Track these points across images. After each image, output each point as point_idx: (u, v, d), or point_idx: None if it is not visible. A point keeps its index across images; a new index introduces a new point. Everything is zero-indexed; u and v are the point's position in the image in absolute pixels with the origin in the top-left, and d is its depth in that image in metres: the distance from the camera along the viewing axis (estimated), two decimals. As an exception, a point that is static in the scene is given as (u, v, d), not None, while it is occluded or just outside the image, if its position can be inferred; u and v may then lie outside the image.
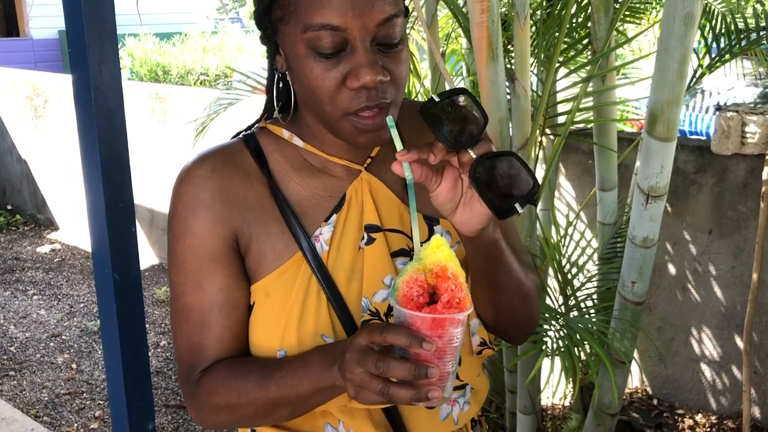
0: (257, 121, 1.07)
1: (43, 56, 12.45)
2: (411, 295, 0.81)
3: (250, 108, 2.53)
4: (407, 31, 2.78)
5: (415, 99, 2.56)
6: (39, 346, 3.93)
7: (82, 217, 5.42)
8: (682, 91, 1.75)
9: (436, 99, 0.84)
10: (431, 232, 1.03)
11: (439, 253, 0.82)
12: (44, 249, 5.50)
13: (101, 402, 3.34)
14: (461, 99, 0.85)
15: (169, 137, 4.72)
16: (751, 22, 2.74)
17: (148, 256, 5.02)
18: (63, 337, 4.04)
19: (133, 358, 1.91)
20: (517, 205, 0.82)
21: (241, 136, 1.04)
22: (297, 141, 1.01)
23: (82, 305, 4.47)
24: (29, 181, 6.07)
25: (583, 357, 2.07)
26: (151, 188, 4.81)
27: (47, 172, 5.84)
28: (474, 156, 0.83)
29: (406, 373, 0.78)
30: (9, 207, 6.32)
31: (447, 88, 2.65)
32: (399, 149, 0.84)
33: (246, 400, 0.93)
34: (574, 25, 2.41)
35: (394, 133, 0.85)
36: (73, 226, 5.65)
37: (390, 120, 0.86)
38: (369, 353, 0.80)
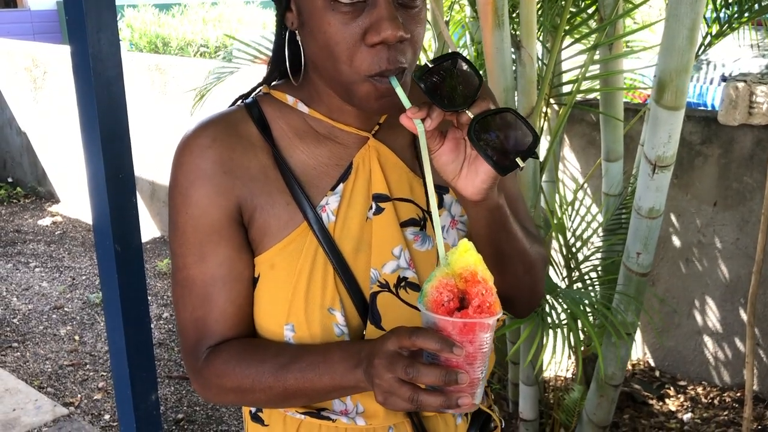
0: (259, 85, 1.03)
1: (42, 27, 12.33)
2: (441, 300, 0.79)
3: (249, 77, 2.49)
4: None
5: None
6: (42, 318, 3.94)
7: (83, 190, 5.39)
8: (692, 59, 1.72)
9: (429, 64, 0.83)
10: (441, 201, 1.00)
11: (467, 257, 0.80)
12: (45, 221, 5.49)
13: (104, 373, 3.36)
14: (454, 62, 0.84)
15: (169, 109, 4.68)
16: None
17: (149, 228, 5.01)
18: (65, 309, 4.05)
19: (135, 329, 1.90)
20: (518, 160, 0.81)
21: (242, 102, 1.00)
22: (302, 107, 0.97)
23: (84, 277, 4.47)
24: (29, 153, 6.04)
25: (586, 329, 2.06)
26: (152, 160, 4.78)
27: (47, 144, 5.81)
28: (470, 115, 0.82)
29: (436, 378, 0.76)
30: (9, 180, 6.30)
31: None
32: (401, 96, 0.84)
33: (260, 387, 0.92)
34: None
35: (400, 92, 0.84)
36: (74, 198, 5.63)
37: (394, 80, 0.84)
38: (398, 359, 0.78)
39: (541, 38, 2.35)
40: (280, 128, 0.97)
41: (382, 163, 0.98)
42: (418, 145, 1.01)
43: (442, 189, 1.00)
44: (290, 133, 0.97)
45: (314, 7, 0.85)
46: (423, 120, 0.82)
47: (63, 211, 5.68)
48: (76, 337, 3.72)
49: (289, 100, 0.98)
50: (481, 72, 2.76)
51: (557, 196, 2.49)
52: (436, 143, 0.85)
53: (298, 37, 0.92)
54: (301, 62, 0.97)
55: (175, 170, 0.95)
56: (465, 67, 0.84)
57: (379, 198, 0.96)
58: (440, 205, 1.00)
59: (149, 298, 3.99)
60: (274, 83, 1.01)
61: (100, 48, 1.69)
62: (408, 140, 1.01)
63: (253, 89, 1.03)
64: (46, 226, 5.41)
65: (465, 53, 2.85)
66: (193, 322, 0.97)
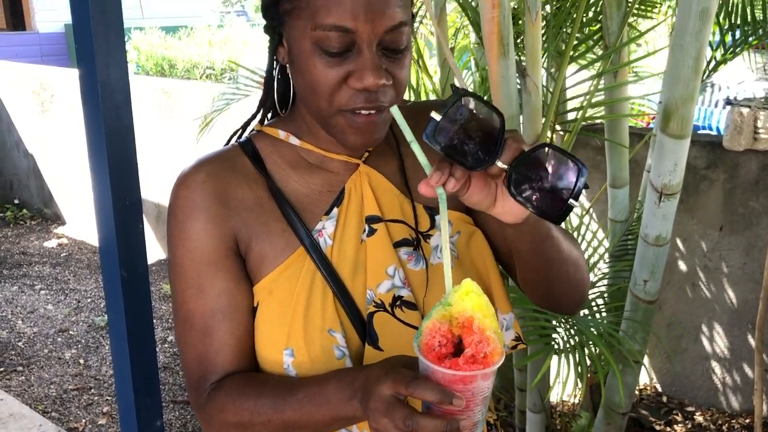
0: (250, 119, 1.06)
1: (50, 50, 12.45)
2: (432, 345, 0.75)
3: (255, 104, 2.51)
4: (417, 25, 2.76)
5: (418, 101, 2.54)
6: (47, 342, 3.94)
7: (89, 212, 5.41)
8: (697, 88, 1.72)
9: (437, 117, 0.74)
10: (432, 222, 1.01)
11: (467, 302, 0.74)
12: (51, 243, 5.51)
13: (109, 398, 3.34)
14: (465, 104, 0.76)
15: (175, 132, 4.71)
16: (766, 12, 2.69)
17: (154, 250, 5.02)
18: (70, 332, 4.05)
19: (140, 355, 1.90)
20: (571, 201, 0.74)
21: (236, 141, 1.03)
22: (293, 140, 1.00)
23: (89, 300, 4.47)
24: (36, 175, 6.07)
25: (600, 355, 2.05)
26: (158, 183, 4.80)
27: (54, 166, 5.84)
28: (502, 166, 0.75)
29: (436, 430, 0.74)
30: (16, 201, 6.33)
31: (456, 84, 2.63)
32: (408, 138, 0.79)
33: (259, 421, 0.91)
34: (585, 20, 2.38)
35: (401, 121, 0.80)
36: (80, 220, 5.65)
37: (395, 110, 0.81)
38: (396, 406, 0.76)
39: (545, 65, 2.37)
40: (273, 161, 1.00)
41: (373, 187, 1.00)
42: (409, 174, 1.02)
43: (432, 210, 1.02)
44: (284, 165, 1.00)
45: (302, 49, 0.89)
46: (444, 184, 0.75)
47: (69, 233, 5.69)
48: (81, 361, 3.71)
49: (281, 134, 1.01)
50: (486, 97, 2.76)
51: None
52: (463, 188, 0.79)
53: (289, 71, 0.96)
54: (291, 94, 1.00)
55: (171, 205, 0.97)
56: (479, 106, 0.76)
57: (371, 220, 0.98)
58: (431, 225, 1.01)
59: (154, 321, 3.98)
60: (267, 123, 1.04)
61: (108, 74, 1.70)
62: (397, 166, 1.03)
63: (245, 126, 1.06)
64: (52, 248, 5.43)
65: (470, 80, 2.87)
66: (196, 358, 0.97)
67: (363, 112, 0.88)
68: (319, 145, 0.99)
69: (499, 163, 0.75)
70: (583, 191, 0.74)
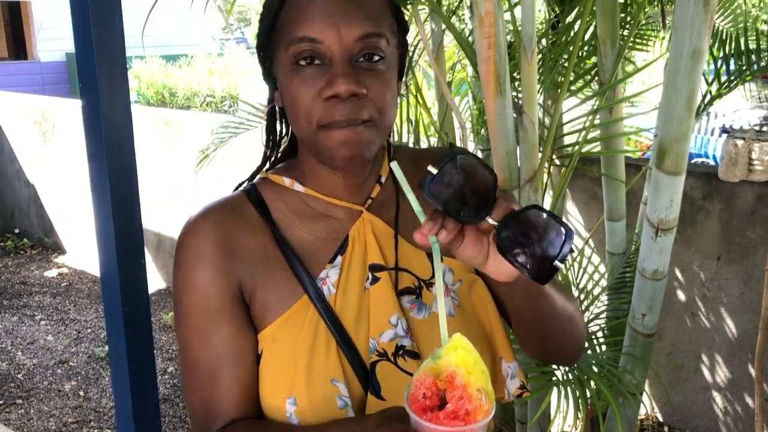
0: (258, 170, 1.07)
1: (51, 78, 12.56)
2: (417, 396, 0.76)
3: (255, 136, 2.54)
4: (415, 59, 2.79)
5: (409, 145, 2.55)
6: (46, 373, 3.93)
7: (89, 241, 5.43)
8: (690, 125, 1.75)
9: (433, 171, 0.78)
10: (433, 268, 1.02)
11: (452, 356, 0.75)
12: (51, 273, 5.51)
13: (108, 430, 3.33)
14: (461, 161, 0.78)
15: (176, 162, 4.74)
16: (760, 43, 2.72)
17: (155, 280, 5.03)
18: (70, 363, 4.04)
19: (141, 387, 1.90)
20: (556, 263, 0.76)
21: (242, 189, 1.05)
22: (298, 187, 1.02)
23: (89, 330, 4.47)
24: (37, 204, 6.10)
25: (593, 386, 2.06)
26: (158, 212, 4.82)
27: (55, 195, 5.87)
28: (492, 223, 0.78)
29: None
30: (16, 230, 6.35)
31: (454, 118, 2.66)
32: (408, 194, 0.82)
33: None
34: (581, 56, 2.41)
35: (401, 177, 0.83)
36: (80, 249, 5.66)
37: (395, 165, 0.83)
38: None
39: (542, 99, 2.40)
40: (278, 209, 1.02)
41: (376, 234, 1.01)
42: (412, 222, 1.03)
43: (431, 257, 1.03)
44: (288, 213, 1.01)
45: (284, 73, 0.93)
46: (437, 233, 0.78)
47: (69, 263, 5.70)
48: (81, 393, 3.70)
49: (286, 181, 1.03)
50: (482, 131, 2.77)
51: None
52: (457, 243, 0.82)
53: (286, 114, 0.98)
54: (289, 138, 1.02)
55: (178, 254, 0.99)
56: (474, 164, 0.79)
57: (375, 268, 0.99)
58: (434, 274, 1.02)
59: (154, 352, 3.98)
60: (271, 171, 1.06)
61: (112, 111, 1.72)
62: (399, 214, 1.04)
63: (253, 175, 1.08)
64: (52, 277, 5.43)
65: (467, 113, 2.90)
66: (201, 404, 0.98)
67: (340, 124, 0.89)
68: (323, 190, 1.01)
69: (490, 220, 0.78)
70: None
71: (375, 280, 0.98)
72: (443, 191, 0.78)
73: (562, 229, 0.77)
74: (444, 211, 0.78)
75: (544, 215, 0.78)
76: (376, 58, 0.91)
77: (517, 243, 0.77)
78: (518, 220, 0.78)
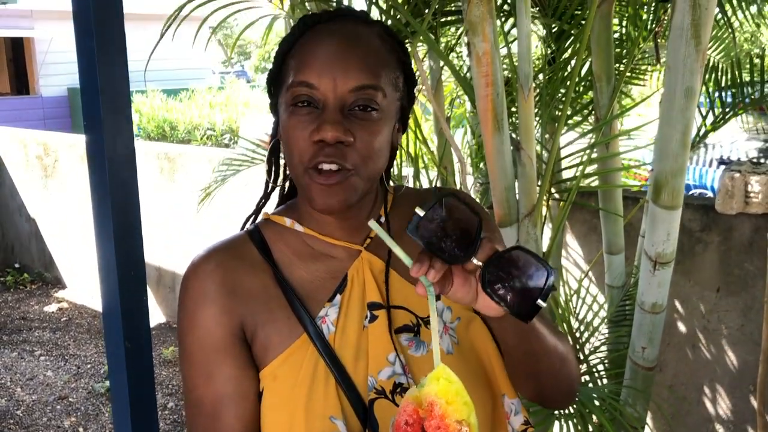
0: (260, 205, 1.11)
1: (52, 113, 12.66)
2: (400, 423, 0.79)
3: (255, 170, 2.57)
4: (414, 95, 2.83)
5: (409, 178, 2.57)
6: (46, 409, 3.90)
7: (90, 276, 5.43)
8: (686, 160, 1.78)
9: (420, 213, 0.82)
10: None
11: (434, 386, 0.78)
12: (51, 308, 5.50)
13: (108, 467, 3.31)
14: (448, 204, 0.83)
15: (177, 196, 4.77)
16: (753, 76, 2.76)
17: (155, 314, 5.02)
18: (70, 399, 4.02)
19: (142, 424, 1.90)
20: (539, 301, 0.80)
21: (245, 230, 1.08)
22: (298, 227, 1.05)
23: (89, 366, 4.45)
24: (37, 239, 6.11)
25: (595, 419, 2.06)
26: (160, 247, 4.84)
27: (55, 230, 5.89)
28: (477, 263, 0.82)
29: None
30: (16, 265, 6.35)
31: (453, 153, 2.70)
32: (393, 248, 0.84)
33: None
34: (578, 92, 2.45)
35: (382, 234, 0.85)
36: (81, 284, 5.66)
37: (373, 223, 0.86)
38: None
39: (539, 134, 2.43)
40: (279, 250, 1.05)
41: (374, 273, 1.03)
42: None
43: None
44: (289, 253, 1.04)
45: (284, 112, 0.97)
46: (426, 272, 0.81)
47: (69, 297, 5.70)
48: (81, 429, 3.68)
49: (287, 222, 1.06)
50: (481, 165, 2.80)
51: (562, 285, 2.52)
52: (447, 284, 0.85)
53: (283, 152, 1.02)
54: (290, 179, 1.06)
55: (182, 294, 1.02)
56: (460, 207, 0.83)
57: (373, 306, 1.01)
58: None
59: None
60: (273, 211, 1.10)
61: (115, 147, 1.75)
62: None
63: (256, 211, 1.11)
64: (52, 312, 5.43)
65: (465, 149, 2.93)
66: None
67: (324, 168, 0.92)
68: (321, 230, 1.04)
69: (475, 261, 0.82)
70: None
71: (373, 318, 1.00)
72: (429, 232, 0.82)
73: (544, 268, 0.80)
74: (430, 251, 0.82)
75: (527, 255, 0.81)
76: (370, 109, 0.95)
77: (500, 281, 0.81)
78: (502, 259, 0.81)
